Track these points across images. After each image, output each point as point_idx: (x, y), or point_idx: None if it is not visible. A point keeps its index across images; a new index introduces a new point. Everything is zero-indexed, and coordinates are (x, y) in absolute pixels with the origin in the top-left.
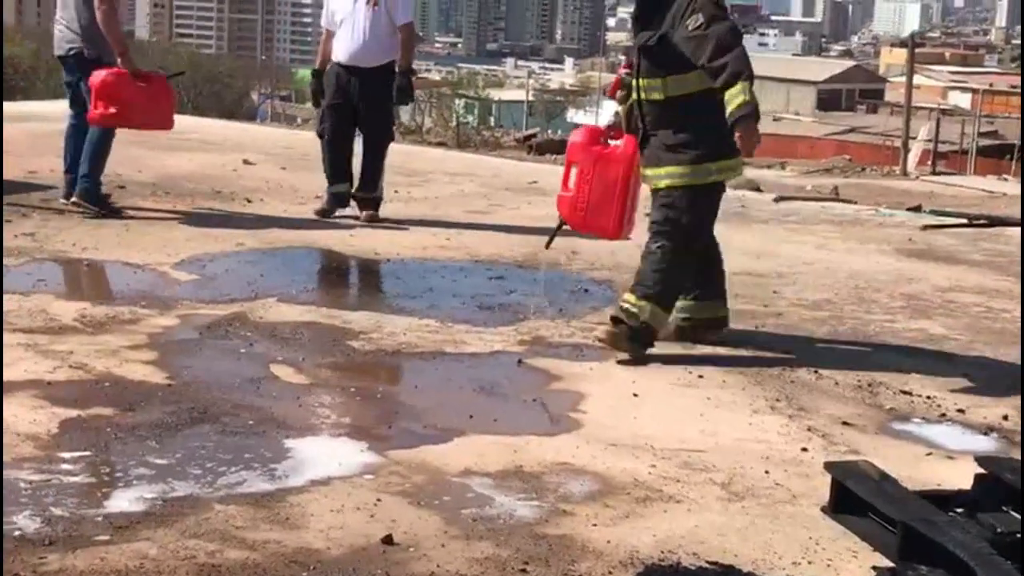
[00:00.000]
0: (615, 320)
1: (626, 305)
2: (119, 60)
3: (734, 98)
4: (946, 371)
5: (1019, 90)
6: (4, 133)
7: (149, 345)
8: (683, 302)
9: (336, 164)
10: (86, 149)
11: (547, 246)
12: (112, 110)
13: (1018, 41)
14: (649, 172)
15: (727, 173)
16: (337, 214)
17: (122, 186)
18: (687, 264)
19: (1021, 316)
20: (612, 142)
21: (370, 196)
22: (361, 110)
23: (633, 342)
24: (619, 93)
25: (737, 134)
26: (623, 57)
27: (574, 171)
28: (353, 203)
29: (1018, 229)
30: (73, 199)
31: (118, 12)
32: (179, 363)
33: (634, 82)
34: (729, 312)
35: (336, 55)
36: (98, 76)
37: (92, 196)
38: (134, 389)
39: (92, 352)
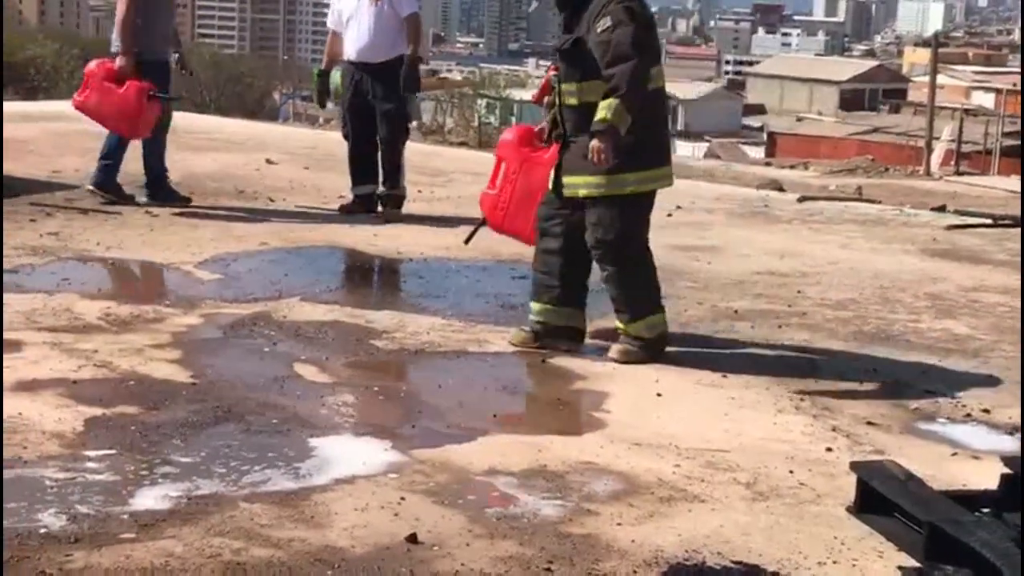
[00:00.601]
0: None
1: (621, 329)
2: (118, 58)
3: (599, 111)
4: (971, 371)
5: None
6: (27, 132)
7: (173, 344)
8: (540, 305)
9: (360, 165)
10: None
11: (466, 242)
12: (79, 97)
13: None
14: (566, 180)
15: (648, 184)
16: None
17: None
18: (638, 272)
19: (1021, 314)
20: (544, 145)
21: (389, 193)
22: (375, 106)
23: (647, 353)
24: (546, 98)
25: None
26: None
27: (502, 169)
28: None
29: None
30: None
31: (135, 11)
32: (203, 362)
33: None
34: (586, 327)
35: (346, 54)
36: (90, 64)
37: (104, 185)
38: (158, 387)
39: (116, 351)
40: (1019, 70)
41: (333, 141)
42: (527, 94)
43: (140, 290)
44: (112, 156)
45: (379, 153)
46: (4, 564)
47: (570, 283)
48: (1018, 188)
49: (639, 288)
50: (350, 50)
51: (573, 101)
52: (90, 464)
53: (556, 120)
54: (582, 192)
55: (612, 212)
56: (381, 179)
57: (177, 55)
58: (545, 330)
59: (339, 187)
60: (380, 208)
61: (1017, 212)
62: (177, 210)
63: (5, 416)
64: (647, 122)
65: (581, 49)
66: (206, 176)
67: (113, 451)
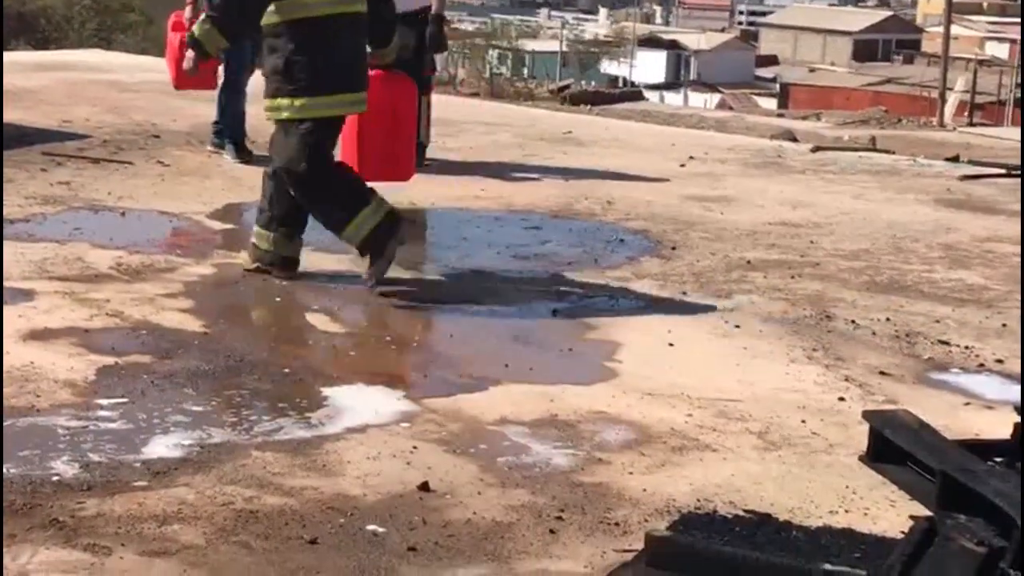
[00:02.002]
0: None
1: (255, 230)
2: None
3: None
4: (984, 321)
5: None
6: (38, 82)
7: (185, 293)
8: (265, 231)
9: None
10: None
11: None
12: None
13: None
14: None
15: (307, 111)
16: None
17: (156, 135)
18: (319, 195)
19: (1021, 266)
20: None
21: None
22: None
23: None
24: None
25: None
26: None
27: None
28: None
29: None
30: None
31: None
32: (215, 311)
33: None
34: (299, 255)
35: None
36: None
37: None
38: (170, 337)
39: (128, 300)
40: None
41: None
42: (539, 44)
43: (151, 240)
44: (220, 119)
45: None
46: (17, 511)
47: (281, 209)
48: None
49: (328, 209)
50: None
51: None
52: (102, 413)
53: None
54: (265, 114)
55: (278, 137)
56: None
57: None
58: (258, 255)
59: None
60: None
61: None
62: (192, 160)
63: (18, 364)
64: (302, 49)
65: None
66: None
67: (125, 400)
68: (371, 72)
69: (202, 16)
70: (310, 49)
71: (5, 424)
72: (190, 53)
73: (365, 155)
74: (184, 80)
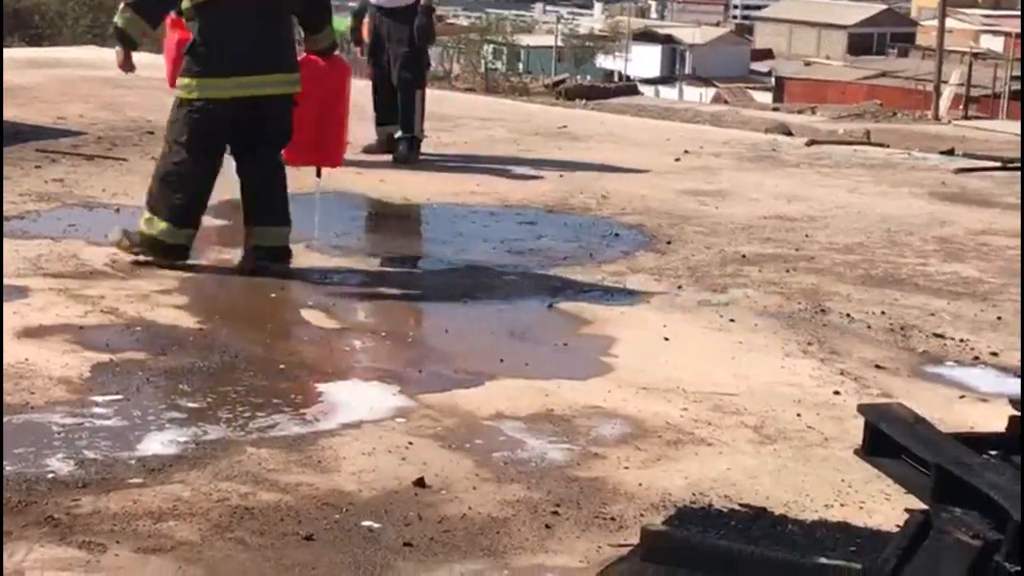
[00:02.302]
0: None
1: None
2: None
3: None
4: (979, 314)
5: None
6: (32, 78)
7: (180, 290)
8: (162, 222)
9: (383, 107)
10: None
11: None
12: None
13: None
14: None
15: (189, 91)
16: (368, 158)
17: (151, 132)
18: (169, 171)
19: (1021, 259)
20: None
21: (403, 136)
22: (390, 51)
23: (144, 251)
24: None
25: None
26: None
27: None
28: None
29: None
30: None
31: None
32: (210, 307)
33: None
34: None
35: None
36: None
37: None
38: (165, 333)
39: (123, 297)
40: None
41: None
42: (534, 39)
43: None
44: None
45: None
46: (12, 509)
47: (266, 204)
48: None
49: (165, 189)
50: None
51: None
52: (97, 409)
53: None
54: None
55: (172, 114)
56: (399, 122)
57: None
58: (257, 252)
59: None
60: (394, 152)
61: None
62: None
63: (12, 362)
64: (205, 31)
65: None
66: None
67: (120, 396)
68: (301, 57)
69: (121, 5)
70: (213, 32)
71: None
72: (119, 48)
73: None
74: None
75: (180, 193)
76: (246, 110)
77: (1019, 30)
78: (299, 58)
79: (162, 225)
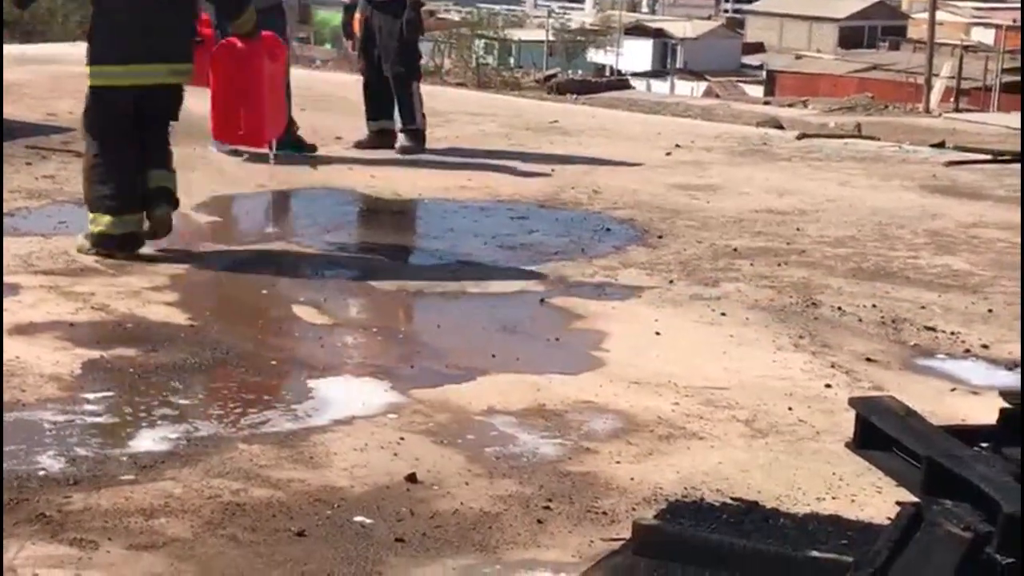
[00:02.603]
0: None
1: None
2: None
3: None
4: (970, 307)
5: None
6: (22, 75)
7: (171, 286)
8: (103, 216)
9: (373, 101)
10: None
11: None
12: None
13: None
14: None
15: (98, 79)
16: (359, 154)
17: None
18: (92, 164)
19: (1022, 251)
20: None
21: (407, 128)
22: (381, 45)
23: (97, 248)
24: None
25: None
26: None
27: None
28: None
29: None
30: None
31: None
32: (201, 304)
33: None
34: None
35: None
36: None
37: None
38: (156, 330)
39: (114, 293)
40: (1019, 5)
41: (329, 82)
42: (525, 33)
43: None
44: None
45: (392, 90)
46: (3, 506)
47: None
48: (1018, 124)
49: (93, 184)
50: None
51: None
52: (88, 407)
53: None
54: None
55: (86, 102)
56: (399, 115)
57: None
58: (108, 239)
59: (335, 128)
60: (398, 144)
61: (1016, 148)
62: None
63: (3, 359)
64: (98, 18)
65: None
66: (201, 117)
67: (111, 393)
68: (226, 40)
69: None
70: (105, 20)
71: None
72: None
73: (213, 117)
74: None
75: (107, 184)
76: (143, 98)
77: (1010, 23)
78: (222, 41)
79: (104, 219)
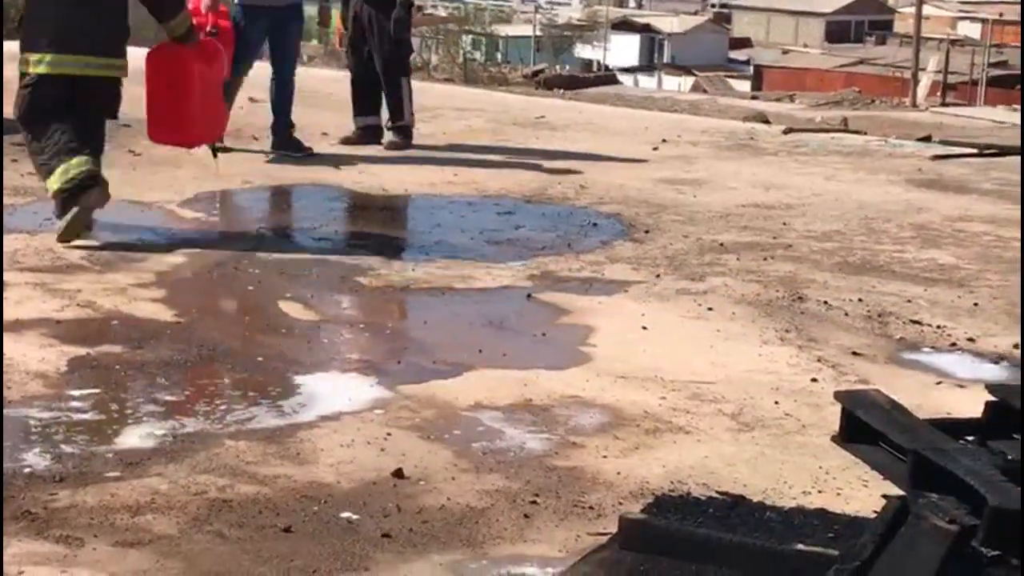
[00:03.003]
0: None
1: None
2: None
3: None
4: (956, 300)
5: None
6: (8, 71)
7: (157, 283)
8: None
9: (361, 97)
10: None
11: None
12: None
13: None
14: None
15: (23, 65)
16: (346, 150)
17: (127, 124)
18: (32, 140)
19: (1022, 246)
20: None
21: (395, 124)
22: (370, 42)
23: (70, 204)
24: None
25: None
26: None
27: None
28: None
29: None
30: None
31: None
32: (187, 301)
33: None
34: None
35: None
36: None
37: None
38: (143, 327)
39: (100, 290)
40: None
41: (316, 78)
42: (513, 29)
43: (123, 229)
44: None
45: (381, 86)
46: (3, 507)
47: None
48: (1003, 118)
49: (39, 158)
50: None
51: None
52: (74, 404)
53: None
54: None
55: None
56: (388, 111)
57: None
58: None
59: (322, 124)
60: (385, 140)
61: (1001, 142)
62: (165, 151)
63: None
64: (28, 9)
65: None
66: None
67: (97, 390)
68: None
69: None
70: (33, 11)
71: None
72: None
73: (148, 118)
74: None
75: (46, 151)
76: (73, 88)
77: (996, 17)
78: (158, 44)
79: (57, 171)
